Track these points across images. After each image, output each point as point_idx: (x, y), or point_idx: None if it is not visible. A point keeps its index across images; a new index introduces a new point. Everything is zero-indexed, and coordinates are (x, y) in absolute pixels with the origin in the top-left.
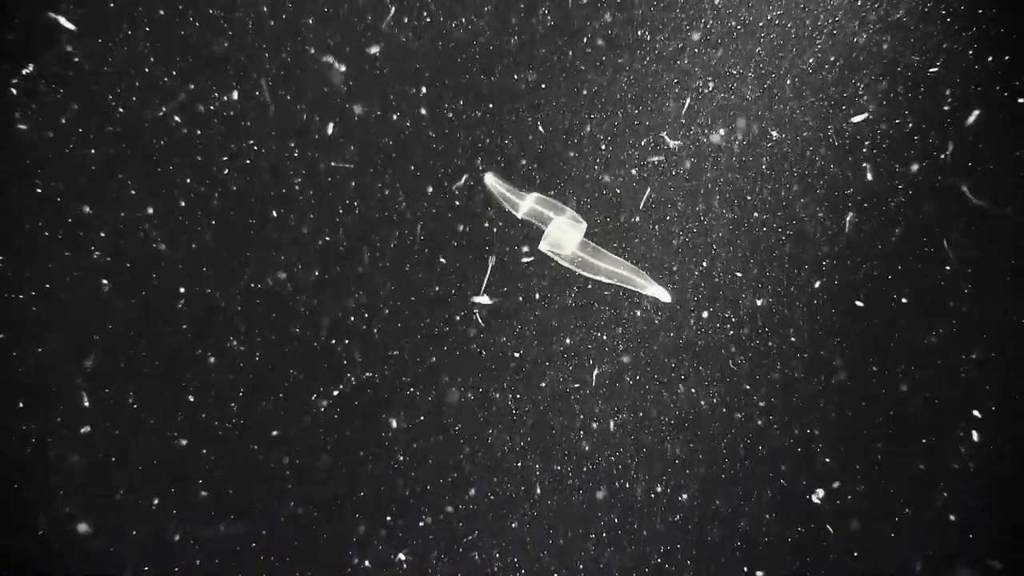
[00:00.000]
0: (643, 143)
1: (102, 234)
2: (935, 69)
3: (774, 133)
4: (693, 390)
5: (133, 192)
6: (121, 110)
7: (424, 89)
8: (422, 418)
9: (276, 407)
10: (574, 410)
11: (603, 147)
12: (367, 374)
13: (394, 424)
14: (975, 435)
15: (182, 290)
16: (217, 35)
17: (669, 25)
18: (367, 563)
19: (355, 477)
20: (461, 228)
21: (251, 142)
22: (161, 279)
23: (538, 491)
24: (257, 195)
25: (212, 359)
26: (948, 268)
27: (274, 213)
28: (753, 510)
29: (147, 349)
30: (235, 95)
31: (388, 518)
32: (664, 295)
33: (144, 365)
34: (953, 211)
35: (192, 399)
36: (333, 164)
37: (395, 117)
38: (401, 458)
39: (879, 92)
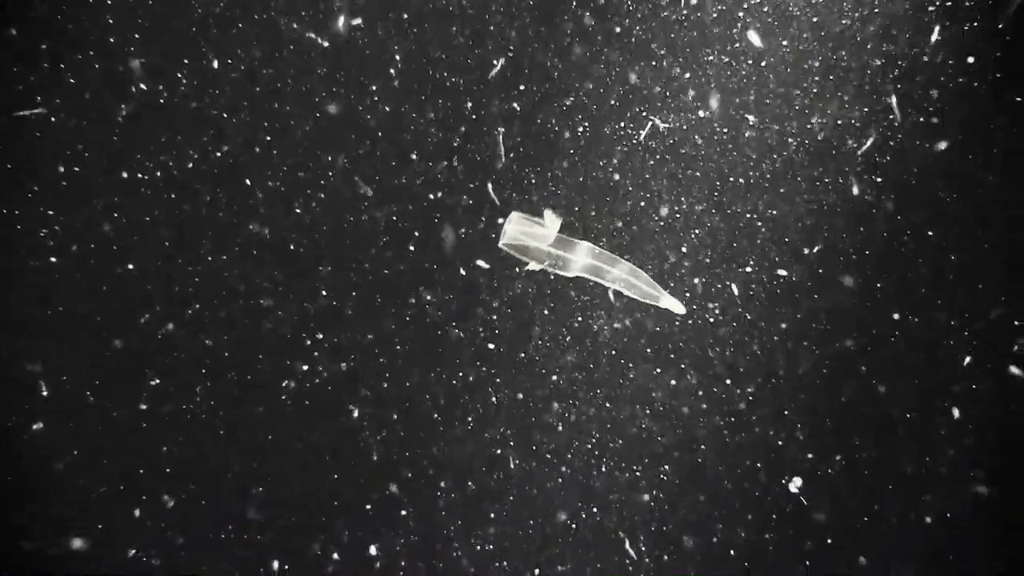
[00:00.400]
0: (620, 130)
1: (49, 212)
2: (925, 58)
3: (751, 118)
4: (673, 381)
5: (92, 177)
6: (73, 80)
7: (399, 63)
8: (395, 409)
9: (244, 397)
10: (550, 400)
11: (581, 133)
12: (339, 364)
13: (357, 414)
14: (959, 431)
15: (145, 282)
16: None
17: (647, 9)
18: (336, 555)
19: (327, 468)
20: (432, 218)
21: (219, 128)
22: (124, 267)
23: (515, 482)
24: (226, 181)
25: (177, 351)
26: (933, 260)
27: (247, 195)
28: (731, 503)
29: (109, 339)
30: (206, 76)
31: (367, 507)
32: (678, 307)
33: (105, 356)
34: (940, 203)
35: (156, 392)
36: (302, 154)
37: (366, 106)
38: (375, 456)
39: (865, 81)
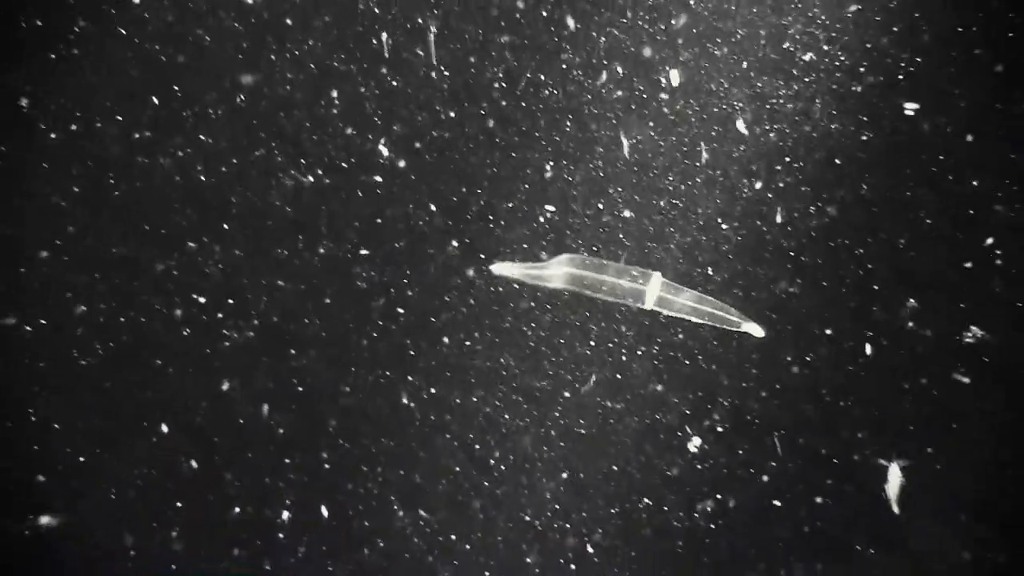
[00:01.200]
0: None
1: None
2: (919, 60)
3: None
4: (610, 393)
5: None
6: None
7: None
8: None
9: (180, 393)
10: (491, 400)
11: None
12: (269, 358)
13: (267, 412)
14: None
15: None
16: None
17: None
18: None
19: (253, 465)
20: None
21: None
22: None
23: (450, 483)
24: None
25: (104, 345)
26: (884, 275)
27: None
28: (675, 511)
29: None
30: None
31: (288, 515)
32: (757, 331)
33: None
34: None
35: (73, 378)
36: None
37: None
38: (311, 455)
39: (850, 83)
